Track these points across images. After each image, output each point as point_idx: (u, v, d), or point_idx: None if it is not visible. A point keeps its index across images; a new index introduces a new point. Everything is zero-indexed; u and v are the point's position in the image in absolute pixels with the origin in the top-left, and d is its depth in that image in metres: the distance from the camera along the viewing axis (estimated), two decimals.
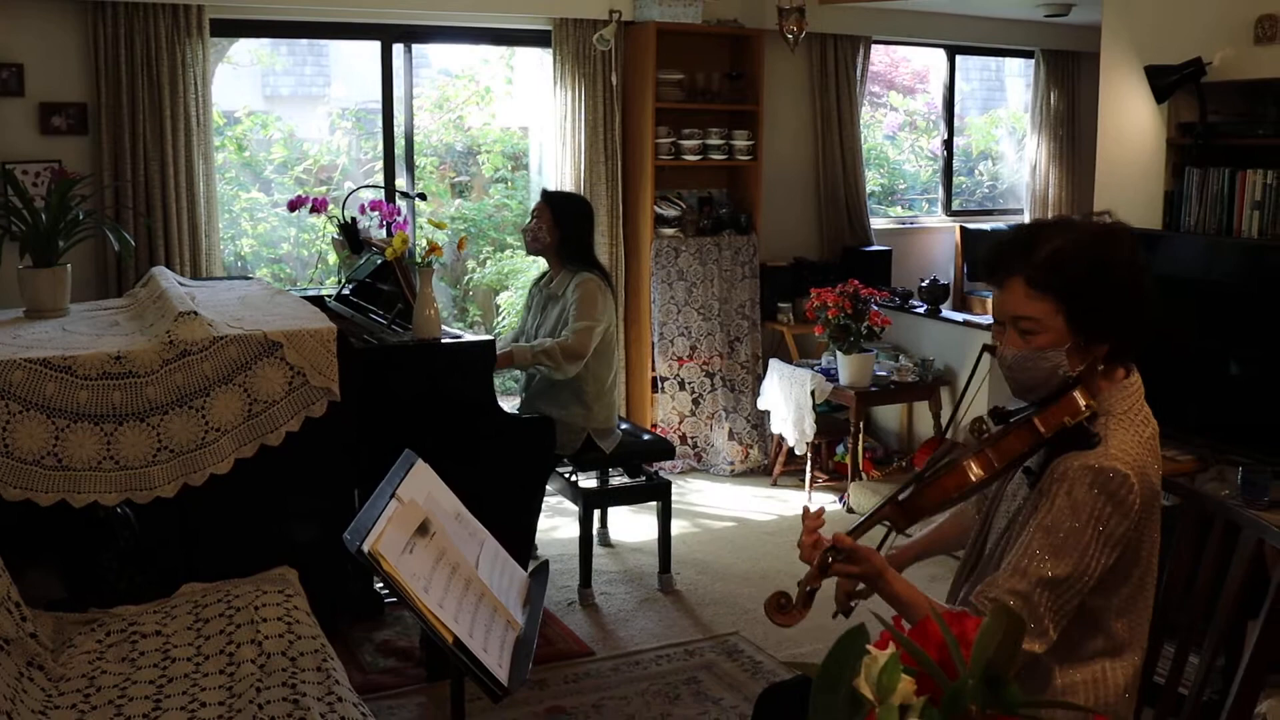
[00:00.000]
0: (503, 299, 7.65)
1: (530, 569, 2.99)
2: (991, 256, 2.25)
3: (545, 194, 5.12)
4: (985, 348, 2.37)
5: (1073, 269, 2.14)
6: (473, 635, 2.24)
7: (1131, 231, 2.28)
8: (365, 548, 2.17)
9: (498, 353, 4.72)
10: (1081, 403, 2.16)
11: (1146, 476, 2.16)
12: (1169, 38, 4.63)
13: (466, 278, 7.89)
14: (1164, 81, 4.51)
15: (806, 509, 2.32)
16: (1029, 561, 2.12)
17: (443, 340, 4.18)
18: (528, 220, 5.08)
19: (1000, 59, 9.02)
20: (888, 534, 2.32)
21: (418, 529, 2.39)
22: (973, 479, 2.20)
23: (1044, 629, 2.12)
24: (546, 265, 5.14)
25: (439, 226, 4.56)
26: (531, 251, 5.14)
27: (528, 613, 2.60)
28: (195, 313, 3.68)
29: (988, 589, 2.15)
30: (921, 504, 2.24)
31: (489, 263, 7.81)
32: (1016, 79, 9.25)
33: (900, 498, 2.26)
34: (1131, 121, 4.85)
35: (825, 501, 6.13)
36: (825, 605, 2.28)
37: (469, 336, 4.38)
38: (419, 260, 4.17)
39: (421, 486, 2.56)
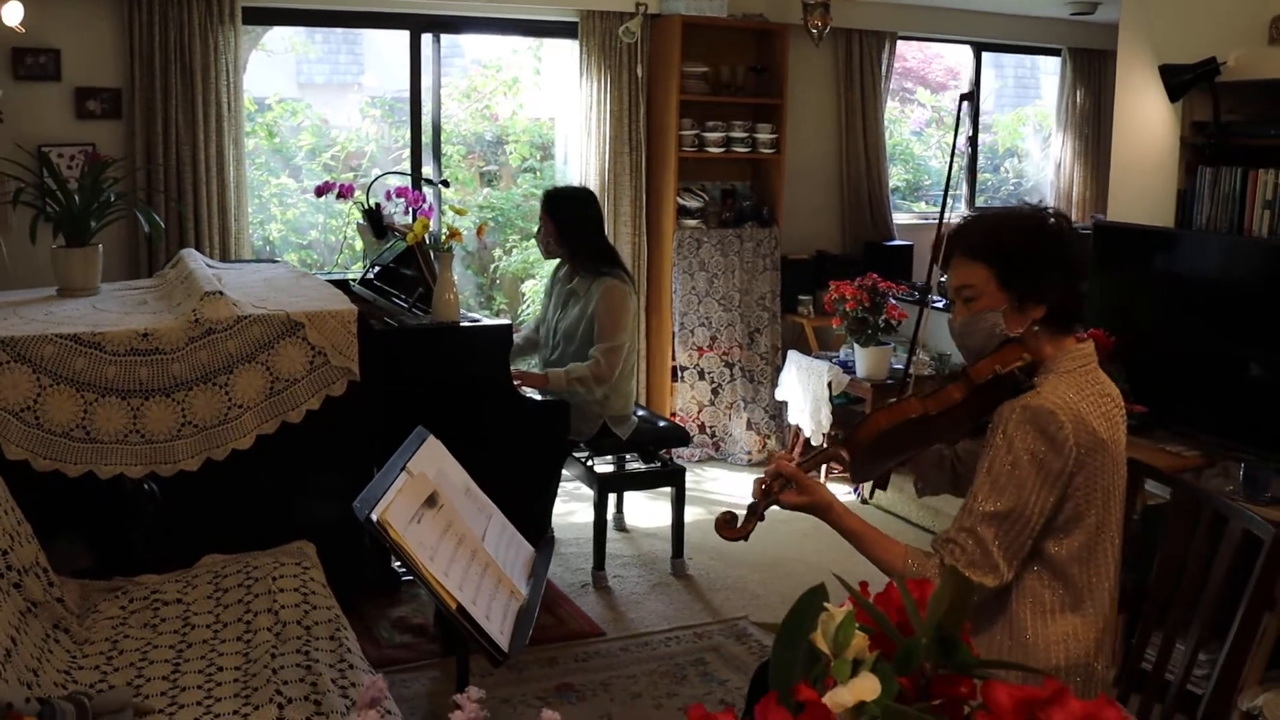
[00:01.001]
0: (527, 287, 7.74)
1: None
2: (944, 244, 2.53)
3: (544, 199, 5.08)
4: (924, 305, 2.64)
5: (1002, 236, 2.38)
6: (476, 603, 2.33)
7: (1064, 213, 2.52)
8: (374, 516, 2.26)
9: (531, 371, 4.85)
10: (1013, 356, 2.35)
11: (1083, 420, 2.30)
12: (1185, 37, 4.66)
13: (493, 266, 7.99)
14: (1178, 80, 4.54)
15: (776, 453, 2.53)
16: (973, 501, 2.32)
17: (461, 324, 4.27)
18: (538, 226, 5.13)
19: (1035, 56, 9.00)
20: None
21: (426, 501, 2.48)
22: (902, 415, 2.40)
23: (993, 563, 2.29)
24: None
25: (460, 213, 4.65)
26: (547, 257, 5.21)
27: (531, 585, 2.69)
28: (221, 292, 3.79)
29: (944, 533, 2.36)
30: (858, 437, 2.43)
31: (514, 251, 7.90)
32: (1051, 77, 9.25)
33: (844, 434, 2.47)
34: (1146, 120, 4.89)
35: (840, 492, 6.19)
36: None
37: (486, 321, 4.47)
38: (440, 245, 4.26)
39: (432, 461, 2.65)
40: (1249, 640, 2.53)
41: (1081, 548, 2.36)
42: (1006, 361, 2.34)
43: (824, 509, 2.40)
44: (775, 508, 2.46)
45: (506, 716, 3.80)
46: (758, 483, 2.44)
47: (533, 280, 7.67)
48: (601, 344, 4.81)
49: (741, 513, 2.42)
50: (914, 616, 1.32)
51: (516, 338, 5.03)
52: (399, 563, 4.77)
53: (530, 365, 5.26)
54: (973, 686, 1.28)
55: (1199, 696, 2.49)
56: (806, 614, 1.29)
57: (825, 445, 2.51)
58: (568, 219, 4.99)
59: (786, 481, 2.39)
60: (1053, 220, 2.42)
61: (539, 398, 4.72)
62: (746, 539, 2.41)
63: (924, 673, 1.29)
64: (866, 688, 1.19)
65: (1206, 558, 2.58)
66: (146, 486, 4.02)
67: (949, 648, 1.28)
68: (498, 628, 2.34)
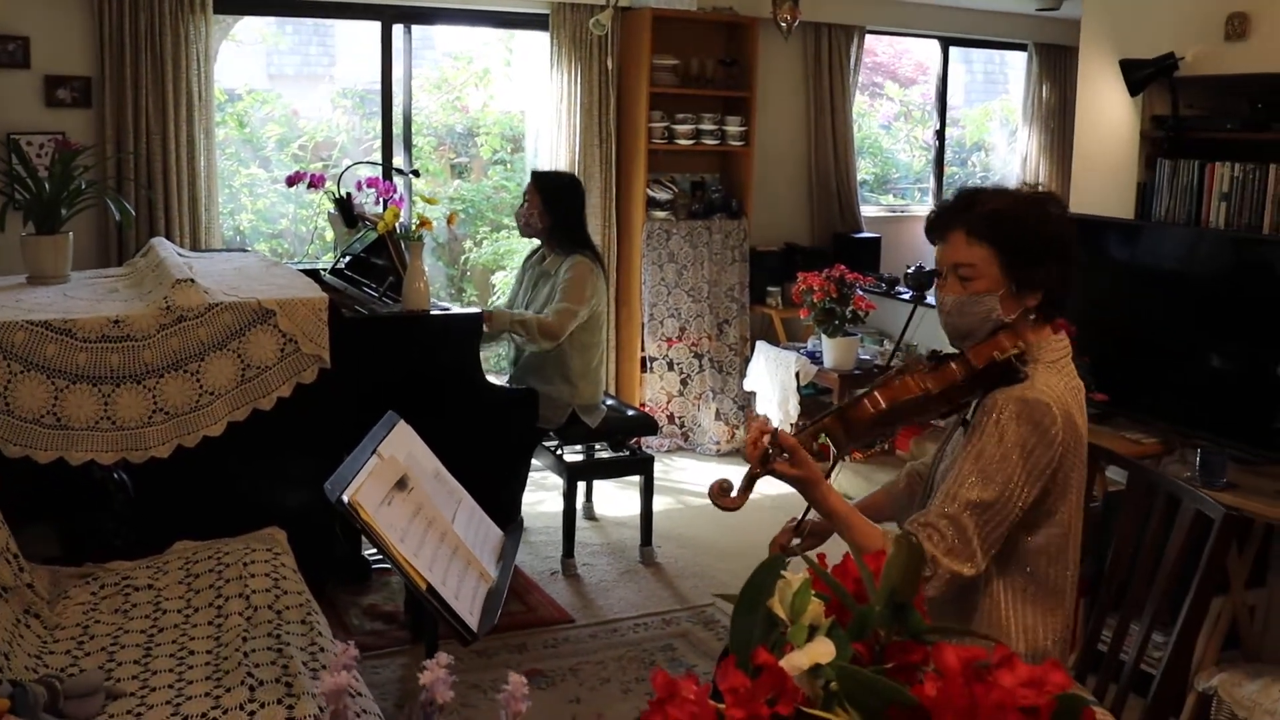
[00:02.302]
0: (498, 279, 7.76)
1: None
2: (936, 214, 2.47)
3: (534, 176, 5.22)
4: (915, 301, 2.58)
5: (1009, 221, 2.35)
6: (445, 584, 2.37)
7: (1061, 198, 2.49)
8: (345, 498, 2.30)
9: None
10: (1009, 343, 2.34)
11: (1070, 414, 2.33)
12: (1145, 32, 4.74)
13: (464, 257, 8.01)
14: (1138, 75, 4.62)
15: (754, 416, 2.49)
16: (958, 487, 2.30)
17: (431, 312, 4.30)
18: (520, 203, 5.20)
19: (1003, 51, 9.07)
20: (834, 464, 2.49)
21: (396, 484, 2.52)
22: (904, 394, 2.38)
23: (972, 551, 2.28)
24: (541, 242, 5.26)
25: (430, 202, 4.68)
26: (525, 234, 5.27)
27: (500, 568, 2.73)
28: (192, 280, 3.80)
29: (921, 515, 2.33)
30: (858, 414, 2.42)
31: (485, 243, 7.92)
32: (1018, 72, 9.33)
33: (840, 409, 2.44)
34: (1108, 114, 4.97)
35: None
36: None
37: (457, 309, 4.50)
38: (410, 234, 4.29)
39: (402, 445, 2.69)
40: (1200, 619, 2.59)
41: (1050, 542, 2.38)
42: (1004, 349, 2.34)
43: (813, 484, 2.37)
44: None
45: (476, 701, 3.84)
46: (752, 445, 2.39)
47: (503, 272, 7.70)
48: (558, 304, 4.88)
49: (736, 481, 2.39)
50: (869, 586, 1.37)
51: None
52: (371, 550, 4.81)
53: (496, 354, 5.31)
54: (925, 654, 1.33)
55: (1154, 677, 2.54)
56: (765, 582, 1.34)
57: (820, 418, 2.47)
58: (556, 195, 5.09)
59: (782, 450, 2.35)
60: (1053, 206, 2.42)
61: (508, 386, 4.75)
62: (740, 508, 2.37)
63: (878, 639, 1.34)
64: (821, 651, 1.24)
65: (1160, 540, 2.64)
66: (117, 476, 4.03)
67: (902, 614, 1.33)
68: (467, 608, 2.38)
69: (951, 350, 2.50)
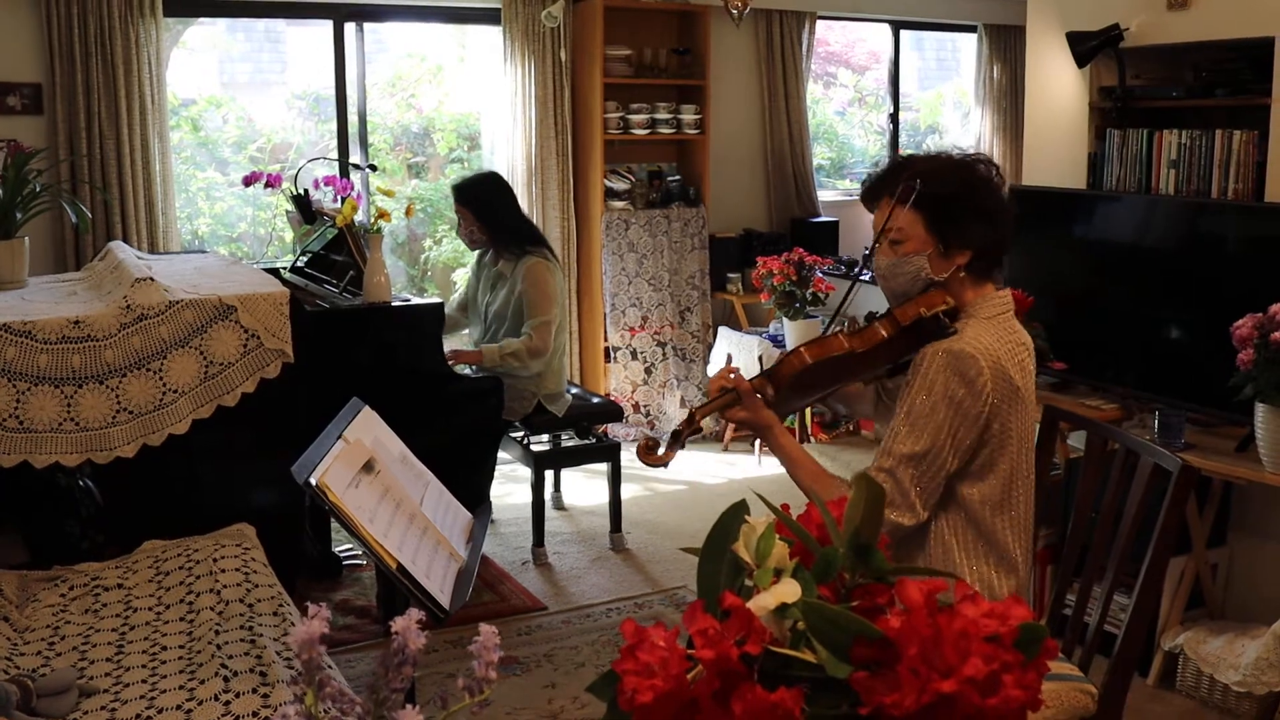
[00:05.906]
0: (458, 276, 7.76)
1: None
2: (868, 183, 2.56)
3: (455, 191, 5.11)
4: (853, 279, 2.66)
5: (932, 183, 2.42)
6: (415, 563, 2.38)
7: (992, 160, 2.56)
8: (313, 479, 2.30)
9: (465, 349, 4.89)
10: (937, 299, 2.43)
11: (999, 365, 2.39)
12: (1090, 4, 4.80)
13: (424, 256, 8.00)
14: (1084, 47, 4.68)
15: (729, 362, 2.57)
16: (892, 442, 2.40)
17: (392, 304, 4.30)
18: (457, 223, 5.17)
19: (955, 35, 9.13)
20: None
21: (363, 467, 2.53)
22: (829, 350, 2.46)
23: (910, 502, 2.38)
24: None
25: (388, 194, 4.68)
26: (473, 249, 5.26)
27: (470, 548, 2.74)
28: (152, 279, 3.78)
29: (864, 471, 2.37)
30: (785, 370, 2.49)
31: (445, 241, 7.92)
32: (970, 54, 9.39)
33: (767, 369, 2.53)
34: (1056, 87, 5.03)
35: (774, 463, 6.28)
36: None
37: (417, 300, 4.50)
38: (369, 227, 4.29)
39: (368, 430, 2.70)
40: (1161, 574, 2.63)
41: (994, 492, 2.45)
42: (931, 305, 2.41)
43: (764, 428, 2.49)
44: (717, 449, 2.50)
45: (451, 689, 3.84)
46: (718, 390, 2.51)
47: (463, 269, 7.69)
48: (532, 320, 4.88)
49: (664, 438, 2.48)
50: (833, 531, 1.39)
51: None
52: (341, 547, 4.81)
53: (461, 343, 5.30)
54: (890, 596, 1.36)
55: (1126, 639, 2.57)
56: (730, 528, 1.36)
57: (750, 380, 2.54)
58: (484, 206, 5.04)
59: (736, 397, 2.46)
60: (982, 167, 2.49)
61: (473, 374, 4.76)
62: (667, 465, 2.47)
63: (843, 582, 1.36)
64: (787, 591, 1.26)
65: (1120, 499, 2.68)
66: (82, 483, 4.01)
67: (865, 555, 1.36)
68: (438, 586, 2.40)
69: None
